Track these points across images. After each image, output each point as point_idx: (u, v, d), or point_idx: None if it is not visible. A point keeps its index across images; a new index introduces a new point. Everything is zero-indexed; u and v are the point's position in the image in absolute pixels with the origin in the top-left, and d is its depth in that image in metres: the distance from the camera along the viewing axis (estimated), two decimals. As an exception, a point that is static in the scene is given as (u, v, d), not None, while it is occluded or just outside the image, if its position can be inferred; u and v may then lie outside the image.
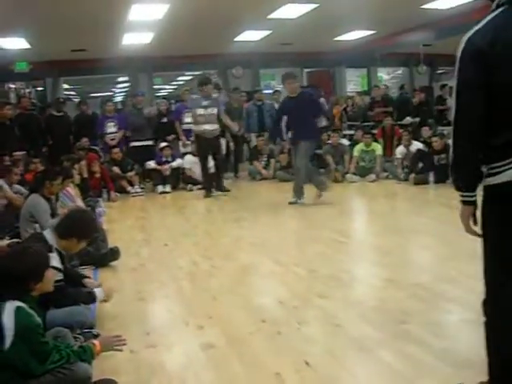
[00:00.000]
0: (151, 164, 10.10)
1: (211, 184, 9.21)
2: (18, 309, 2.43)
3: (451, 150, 2.23)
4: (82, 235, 3.60)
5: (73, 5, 8.42)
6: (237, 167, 11.62)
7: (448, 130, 11.17)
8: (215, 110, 9.01)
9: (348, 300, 3.96)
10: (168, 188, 9.89)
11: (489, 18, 2.15)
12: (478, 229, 2.27)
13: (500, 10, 2.14)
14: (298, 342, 3.25)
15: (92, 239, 5.27)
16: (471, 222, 2.28)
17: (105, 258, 5.21)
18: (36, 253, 2.69)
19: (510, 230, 2.20)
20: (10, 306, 2.41)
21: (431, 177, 9.28)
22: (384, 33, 12.86)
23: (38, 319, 2.52)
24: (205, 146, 9.05)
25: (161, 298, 4.33)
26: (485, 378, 2.38)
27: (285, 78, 7.98)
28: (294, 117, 7.72)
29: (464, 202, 2.26)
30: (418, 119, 11.31)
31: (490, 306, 2.31)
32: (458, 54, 2.16)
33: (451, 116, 2.22)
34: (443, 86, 13.43)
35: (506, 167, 2.14)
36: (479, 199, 2.26)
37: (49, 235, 3.50)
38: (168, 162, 10.07)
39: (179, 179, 10.26)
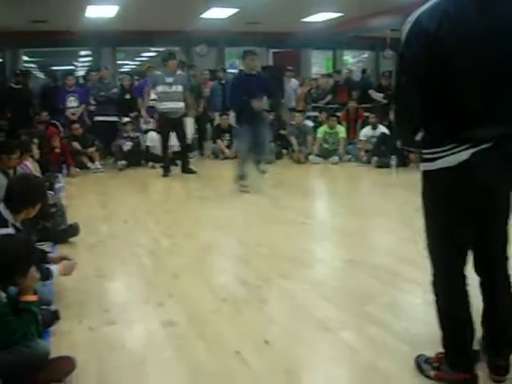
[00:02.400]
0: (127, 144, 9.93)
1: (170, 164, 9.06)
2: None
3: (393, 119, 2.33)
4: (36, 201, 3.50)
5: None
6: (201, 145, 11.52)
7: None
8: (180, 88, 8.67)
9: (310, 280, 3.96)
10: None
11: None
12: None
13: None
14: (259, 321, 3.24)
15: (50, 215, 5.19)
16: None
17: (63, 234, 5.09)
18: (25, 245, 2.65)
19: (452, 212, 2.29)
20: None
21: (393, 160, 9.36)
22: (351, 16, 12.84)
23: (5, 300, 2.49)
24: (167, 126, 8.80)
25: (121, 275, 4.26)
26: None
27: (247, 55, 7.63)
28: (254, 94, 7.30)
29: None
30: (385, 101, 11.34)
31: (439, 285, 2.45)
32: (405, 33, 2.16)
33: (392, 91, 2.30)
34: None
35: (442, 154, 2.19)
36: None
37: (3, 210, 3.40)
38: (130, 138, 9.93)
39: (140, 156, 10.08)
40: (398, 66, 2.21)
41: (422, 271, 3.95)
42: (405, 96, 2.20)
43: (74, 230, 5.14)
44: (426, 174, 2.30)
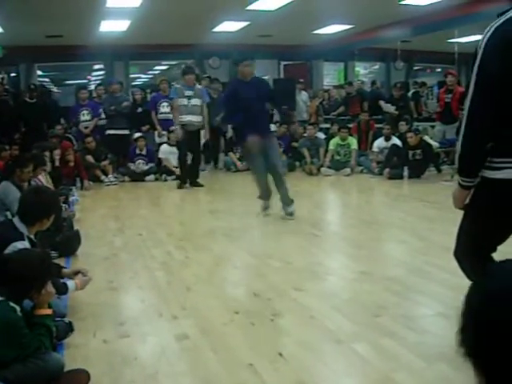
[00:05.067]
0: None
1: (186, 176, 9.07)
2: (1, 303, 2.41)
3: (461, 137, 2.23)
4: (50, 212, 3.52)
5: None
6: (216, 158, 11.55)
7: (423, 125, 11.29)
8: (198, 102, 8.71)
9: (322, 292, 3.97)
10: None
11: None
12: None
13: None
14: (272, 334, 3.24)
15: (61, 228, 5.22)
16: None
17: (69, 243, 5.10)
18: (43, 261, 2.69)
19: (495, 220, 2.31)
20: None
21: (405, 172, 9.35)
22: (362, 27, 12.88)
23: (20, 313, 2.51)
24: (185, 139, 8.77)
25: (134, 288, 4.28)
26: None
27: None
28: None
29: (463, 186, 2.32)
30: (396, 112, 11.33)
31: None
32: (482, 45, 2.07)
33: (466, 105, 2.19)
34: (423, 84, 13.54)
35: (508, 165, 2.18)
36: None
37: (18, 223, 3.43)
38: (141, 155, 9.99)
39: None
40: (475, 79, 2.11)
41: (434, 283, 3.96)
42: (481, 110, 2.13)
43: (75, 238, 5.15)
44: (486, 182, 2.28)
